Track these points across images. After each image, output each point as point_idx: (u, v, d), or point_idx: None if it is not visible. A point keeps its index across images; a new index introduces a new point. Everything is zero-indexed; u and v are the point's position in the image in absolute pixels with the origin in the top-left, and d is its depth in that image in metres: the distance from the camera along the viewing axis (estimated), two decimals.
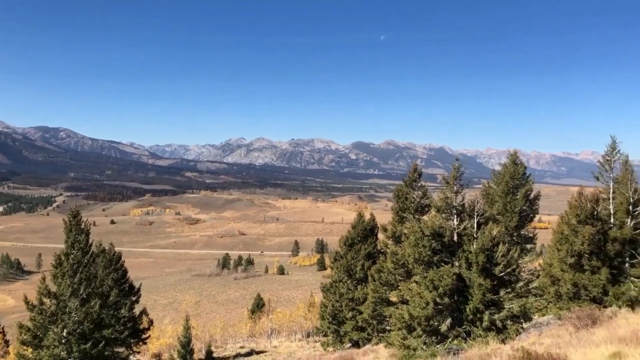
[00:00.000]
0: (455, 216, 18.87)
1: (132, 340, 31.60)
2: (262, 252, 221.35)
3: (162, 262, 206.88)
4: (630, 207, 21.56)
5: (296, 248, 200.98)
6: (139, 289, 34.68)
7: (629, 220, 21.44)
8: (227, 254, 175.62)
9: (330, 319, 33.08)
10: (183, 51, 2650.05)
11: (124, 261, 34.13)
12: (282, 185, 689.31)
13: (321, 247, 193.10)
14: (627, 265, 21.23)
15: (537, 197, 31.68)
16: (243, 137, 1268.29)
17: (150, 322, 35.79)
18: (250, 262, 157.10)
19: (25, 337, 21.20)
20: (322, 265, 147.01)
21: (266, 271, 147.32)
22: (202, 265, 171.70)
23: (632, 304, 19.34)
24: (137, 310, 33.85)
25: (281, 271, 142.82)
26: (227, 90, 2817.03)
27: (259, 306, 68.19)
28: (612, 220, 21.69)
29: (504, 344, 14.69)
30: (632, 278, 20.71)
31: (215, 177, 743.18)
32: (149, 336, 36.03)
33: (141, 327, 33.49)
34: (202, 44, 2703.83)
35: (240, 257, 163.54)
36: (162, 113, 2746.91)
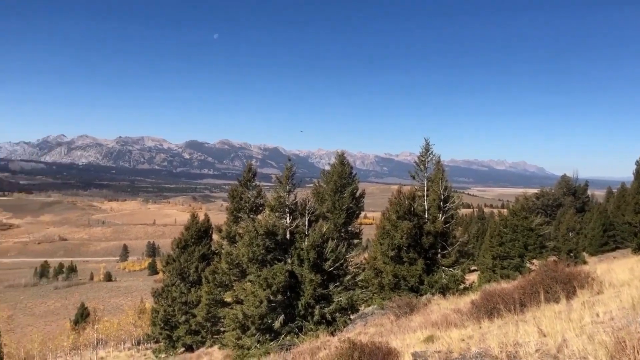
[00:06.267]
0: (288, 214, 19.31)
1: None
2: (86, 259, 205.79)
3: None
4: (442, 203, 23.95)
5: (125, 253, 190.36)
6: None
7: (441, 215, 23.79)
8: (45, 261, 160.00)
9: (162, 325, 31.92)
10: None
11: None
12: (108, 186, 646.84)
13: (152, 251, 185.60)
14: (439, 256, 23.52)
15: (362, 195, 33.73)
16: (64, 133, 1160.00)
17: None
18: (72, 269, 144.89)
19: None
20: (153, 270, 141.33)
21: (91, 278, 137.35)
22: (15, 275, 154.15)
23: (443, 291, 21.46)
24: None
25: (108, 278, 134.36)
26: (44, 83, 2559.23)
27: (83, 316, 63.45)
28: (426, 216, 23.84)
29: (333, 335, 15.36)
30: (443, 267, 23.00)
31: (31, 178, 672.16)
32: None
33: None
34: (9, 33, 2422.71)
35: (61, 265, 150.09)
36: None
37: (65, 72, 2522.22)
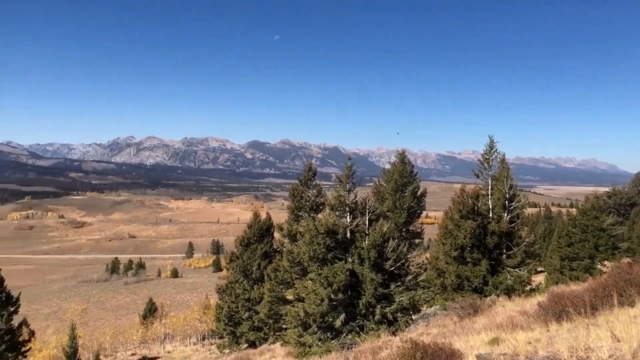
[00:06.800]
0: (348, 214, 19.32)
1: (9, 355, 29.23)
2: (153, 255, 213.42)
3: (44, 268, 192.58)
4: (507, 202, 23.29)
5: (190, 250, 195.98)
6: (17, 299, 32.05)
7: (506, 214, 23.14)
8: (116, 258, 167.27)
9: (226, 321, 32.65)
10: (61, 42, 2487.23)
11: (0, 269, 31.41)
12: (175, 185, 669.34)
13: (217, 248, 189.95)
14: (504, 256, 22.89)
15: (423, 194, 33.23)
16: (132, 135, 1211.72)
17: (31, 334, 33.33)
18: (141, 265, 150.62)
19: None
20: (217, 267, 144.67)
21: (159, 275, 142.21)
22: (89, 270, 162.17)
23: (508, 292, 20.86)
24: (15, 321, 31.30)
25: (175, 274, 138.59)
26: (115, 86, 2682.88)
27: (151, 311, 65.80)
28: (491, 215, 23.25)
29: (395, 335, 15.26)
30: (508, 268, 22.36)
31: (102, 178, 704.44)
32: (30, 349, 33.52)
33: (20, 339, 31.02)
34: (84, 37, 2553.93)
35: (130, 261, 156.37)
36: (42, 110, 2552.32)
37: (134, 75, 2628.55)
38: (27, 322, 33.07)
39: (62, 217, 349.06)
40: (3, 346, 27.21)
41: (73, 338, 33.22)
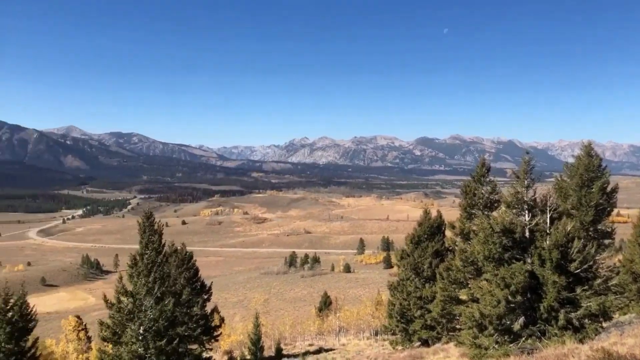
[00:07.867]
0: (526, 211, 18.25)
1: (204, 338, 32.52)
2: (327, 251, 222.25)
3: (231, 260, 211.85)
4: None
5: (361, 246, 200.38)
6: (210, 288, 35.60)
7: None
8: (293, 252, 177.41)
9: (398, 318, 32.78)
10: (245, 55, 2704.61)
11: (195, 260, 35.04)
12: (345, 183, 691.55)
13: (387, 245, 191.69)
14: None
15: (614, 190, 30.17)
16: (306, 136, 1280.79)
17: (222, 320, 36.63)
18: (316, 260, 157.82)
19: (105, 333, 22.15)
20: (388, 264, 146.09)
21: (332, 269, 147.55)
22: (269, 263, 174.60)
23: None
24: (208, 308, 34.73)
25: (347, 269, 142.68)
26: (291, 91, 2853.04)
27: (326, 304, 68.45)
28: None
29: (582, 343, 14.08)
30: None
31: (280, 177, 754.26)
32: (221, 333, 36.89)
33: (213, 324, 34.35)
34: (265, 46, 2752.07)
35: (306, 255, 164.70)
36: (229, 116, 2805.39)
37: (308, 80, 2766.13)
38: (217, 309, 36.48)
39: (246, 213, 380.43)
40: (199, 330, 30.34)
41: (257, 326, 35.86)
